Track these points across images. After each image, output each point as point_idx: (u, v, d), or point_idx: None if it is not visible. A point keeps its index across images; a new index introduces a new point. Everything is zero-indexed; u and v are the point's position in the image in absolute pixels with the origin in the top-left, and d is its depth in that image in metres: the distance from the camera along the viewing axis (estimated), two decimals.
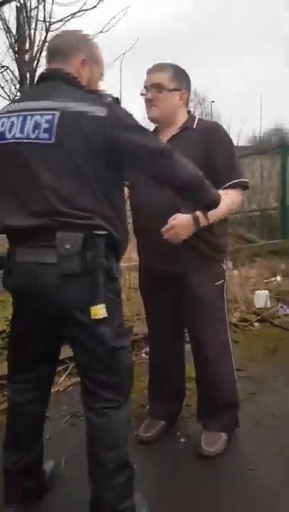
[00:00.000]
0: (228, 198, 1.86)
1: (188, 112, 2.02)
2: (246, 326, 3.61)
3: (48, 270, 1.44)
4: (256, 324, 3.67)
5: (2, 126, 1.50)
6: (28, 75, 5.24)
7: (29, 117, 1.46)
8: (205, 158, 1.82)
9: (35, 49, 5.61)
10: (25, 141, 1.46)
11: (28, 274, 1.47)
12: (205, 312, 1.97)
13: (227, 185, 1.89)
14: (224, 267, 2.07)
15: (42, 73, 1.60)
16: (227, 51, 57.85)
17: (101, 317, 1.43)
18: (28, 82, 5.22)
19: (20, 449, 1.64)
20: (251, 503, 1.73)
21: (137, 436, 2.11)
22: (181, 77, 1.94)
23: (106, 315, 1.44)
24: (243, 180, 1.95)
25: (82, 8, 5.24)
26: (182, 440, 2.14)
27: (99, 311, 1.43)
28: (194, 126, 1.95)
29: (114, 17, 5.20)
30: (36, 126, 1.44)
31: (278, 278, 4.92)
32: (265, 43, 56.97)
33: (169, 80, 1.91)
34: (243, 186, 1.97)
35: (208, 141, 1.89)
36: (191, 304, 1.98)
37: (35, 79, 1.65)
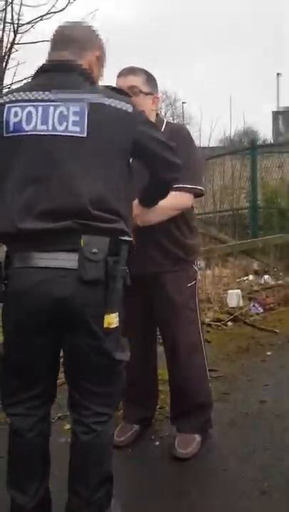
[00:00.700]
0: (172, 200, 1.76)
1: (157, 114, 2.03)
2: (219, 326, 3.65)
3: (67, 275, 1.32)
4: (229, 323, 3.72)
5: (16, 116, 1.34)
6: None
7: (52, 108, 1.34)
8: None
9: (4, 50, 5.55)
10: (50, 133, 1.33)
11: (37, 280, 1.33)
12: (177, 313, 1.99)
13: (176, 186, 1.80)
14: (196, 268, 2.09)
15: (51, 62, 1.45)
16: (196, 52, 58.52)
17: (114, 326, 1.37)
18: None
19: (34, 482, 1.46)
20: (225, 505, 1.74)
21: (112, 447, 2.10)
22: (152, 81, 1.96)
23: (118, 324, 1.38)
24: (192, 186, 1.90)
25: (51, 11, 5.22)
26: (156, 443, 2.14)
27: (113, 319, 1.37)
28: (162, 129, 1.95)
29: (83, 19, 5.18)
30: (62, 118, 1.33)
31: (250, 277, 4.99)
32: (234, 44, 57.91)
33: (143, 84, 1.92)
34: (195, 193, 1.95)
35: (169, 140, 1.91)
36: (163, 305, 1.99)
37: (39, 67, 1.47)
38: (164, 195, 1.65)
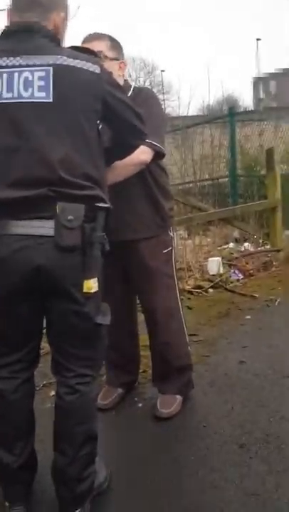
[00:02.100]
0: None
1: (125, 81, 2.01)
2: (200, 293, 3.72)
3: (44, 243, 1.34)
4: (210, 290, 3.79)
5: None
6: None
7: (16, 74, 1.31)
8: None
9: None
10: (16, 101, 1.31)
11: (16, 247, 1.34)
12: (153, 279, 2.03)
13: None
14: (171, 234, 2.11)
15: (14, 25, 1.41)
16: (173, 17, 56.86)
17: (93, 291, 1.39)
18: None
19: (20, 442, 1.52)
20: (205, 457, 1.83)
21: (97, 407, 2.17)
22: (118, 46, 1.93)
23: (97, 289, 1.41)
24: (150, 141, 1.77)
25: None
26: (140, 405, 2.22)
27: (92, 285, 1.39)
28: (129, 94, 1.93)
29: None
30: (28, 84, 1.31)
31: (231, 245, 5.07)
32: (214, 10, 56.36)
33: (108, 49, 1.89)
34: (154, 150, 1.84)
35: (135, 104, 1.89)
36: (140, 272, 2.03)
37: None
38: (122, 158, 1.64)
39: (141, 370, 2.39)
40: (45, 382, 2.32)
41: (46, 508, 1.59)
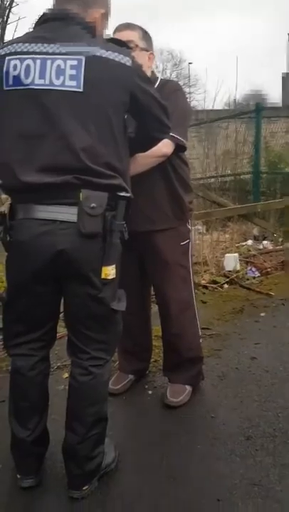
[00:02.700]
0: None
1: (152, 72, 2.03)
2: (215, 288, 3.74)
3: (66, 228, 1.38)
4: (225, 286, 3.81)
5: (15, 69, 1.35)
6: None
7: (49, 62, 1.33)
8: None
9: (5, 4, 5.37)
10: (47, 88, 1.33)
11: (39, 231, 1.39)
12: (169, 271, 2.06)
13: None
14: (189, 227, 2.14)
15: (51, 12, 1.43)
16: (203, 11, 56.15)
17: (110, 277, 1.44)
18: None
19: (34, 417, 1.58)
20: (212, 447, 1.86)
21: (108, 390, 2.23)
22: (148, 37, 1.95)
23: (115, 276, 1.45)
24: (173, 134, 1.78)
25: None
26: (149, 392, 2.27)
27: (110, 271, 1.43)
28: (155, 86, 1.95)
29: None
30: (60, 72, 1.33)
31: (249, 242, 5.05)
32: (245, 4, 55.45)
33: (140, 39, 1.91)
34: (176, 143, 1.85)
35: (161, 96, 1.91)
36: (156, 263, 2.06)
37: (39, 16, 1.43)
38: (145, 150, 1.67)
39: (152, 360, 2.43)
40: (59, 364, 2.38)
41: (56, 482, 1.65)
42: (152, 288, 2.25)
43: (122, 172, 1.45)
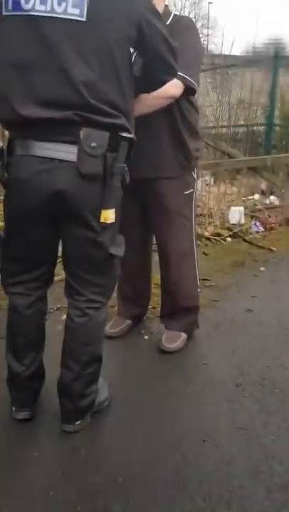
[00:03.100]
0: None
1: (166, 6, 1.91)
2: (218, 240, 3.74)
3: (65, 168, 1.34)
4: (228, 239, 3.80)
5: None
6: None
7: None
8: None
9: None
10: (48, 15, 1.26)
11: (38, 169, 1.35)
12: (171, 219, 2.04)
13: None
14: (194, 176, 2.09)
15: None
16: None
17: (109, 221, 1.41)
18: None
19: (30, 353, 1.62)
20: (201, 392, 1.94)
21: (104, 332, 2.29)
22: None
23: (114, 220, 1.43)
24: (183, 75, 1.71)
25: None
26: (146, 337, 2.33)
27: (110, 215, 1.41)
28: (168, 22, 1.85)
29: None
30: None
31: (256, 196, 4.99)
32: None
33: None
34: (185, 84, 1.76)
35: (172, 34, 1.82)
36: (158, 211, 2.04)
37: None
38: (149, 92, 1.60)
39: (151, 306, 2.48)
40: (59, 305, 2.43)
41: (50, 417, 1.73)
42: (154, 236, 2.26)
43: (125, 112, 1.40)
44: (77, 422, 1.66)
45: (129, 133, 1.42)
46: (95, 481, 1.48)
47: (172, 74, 1.56)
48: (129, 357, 2.17)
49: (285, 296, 2.82)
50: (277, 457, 1.59)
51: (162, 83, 1.58)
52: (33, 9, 1.28)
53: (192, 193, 2.08)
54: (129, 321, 2.35)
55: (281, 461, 1.57)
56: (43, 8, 1.28)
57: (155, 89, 1.59)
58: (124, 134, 1.40)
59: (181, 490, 1.46)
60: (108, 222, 1.42)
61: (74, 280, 1.55)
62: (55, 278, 1.72)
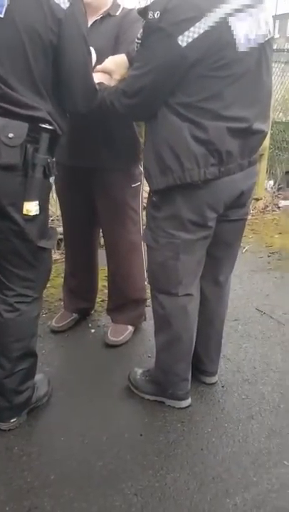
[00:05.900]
0: None
1: None
2: None
3: None
4: None
5: None
6: None
7: None
8: (114, 45, 1.74)
9: None
10: None
11: None
12: (119, 212, 2.02)
13: None
14: (141, 169, 2.06)
15: None
16: None
17: (32, 214, 1.39)
18: None
19: None
20: None
21: (49, 326, 2.26)
22: None
23: (38, 212, 1.40)
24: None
25: None
26: (92, 331, 2.31)
27: (32, 207, 1.39)
28: (117, 14, 1.81)
29: None
30: None
31: None
32: None
33: None
34: None
35: (120, 27, 1.78)
36: (106, 203, 2.01)
37: None
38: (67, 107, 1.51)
39: (100, 299, 2.45)
40: None
41: None
42: (101, 229, 2.22)
43: (45, 106, 1.37)
44: (12, 420, 1.62)
45: (51, 124, 1.39)
46: (26, 479, 1.46)
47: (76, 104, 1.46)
48: (73, 351, 2.14)
49: (232, 288, 2.83)
50: (213, 450, 1.61)
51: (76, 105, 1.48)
52: None
53: (139, 185, 2.05)
54: (75, 315, 2.32)
55: (215, 454, 1.59)
56: None
57: (69, 107, 1.51)
58: (44, 126, 1.37)
59: (114, 485, 1.45)
60: (31, 214, 1.40)
61: (2, 275, 1.51)
62: None
